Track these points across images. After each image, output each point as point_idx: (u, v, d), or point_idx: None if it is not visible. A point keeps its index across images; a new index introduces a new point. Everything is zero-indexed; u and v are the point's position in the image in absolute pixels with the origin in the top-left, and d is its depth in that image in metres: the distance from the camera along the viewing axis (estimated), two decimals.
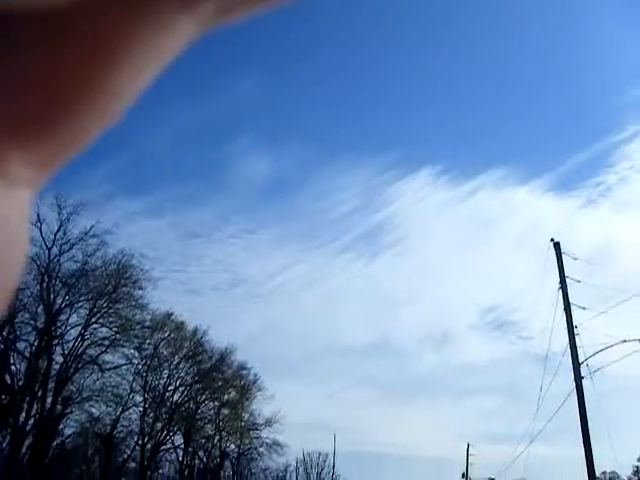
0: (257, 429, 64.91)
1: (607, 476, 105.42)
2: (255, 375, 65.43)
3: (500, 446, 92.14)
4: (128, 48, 0.47)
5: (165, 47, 0.49)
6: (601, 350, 28.87)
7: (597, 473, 28.17)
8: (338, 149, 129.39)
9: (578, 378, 28.73)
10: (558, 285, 31.07)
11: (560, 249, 31.38)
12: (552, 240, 31.77)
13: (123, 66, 0.48)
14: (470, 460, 71.77)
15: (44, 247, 45.99)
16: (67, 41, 0.46)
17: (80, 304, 47.29)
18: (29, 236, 0.51)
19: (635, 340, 28.21)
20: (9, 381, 45.02)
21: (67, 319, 46.29)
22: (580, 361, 29.17)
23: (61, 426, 48.69)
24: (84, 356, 48.08)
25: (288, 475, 68.71)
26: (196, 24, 0.48)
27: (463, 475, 72.65)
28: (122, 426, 53.26)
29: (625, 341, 28.36)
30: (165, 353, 57.63)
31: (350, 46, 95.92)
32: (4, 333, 44.70)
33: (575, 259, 31.96)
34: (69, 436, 50.29)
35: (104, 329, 49.37)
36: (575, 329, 30.06)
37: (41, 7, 0.44)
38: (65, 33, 0.46)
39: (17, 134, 0.47)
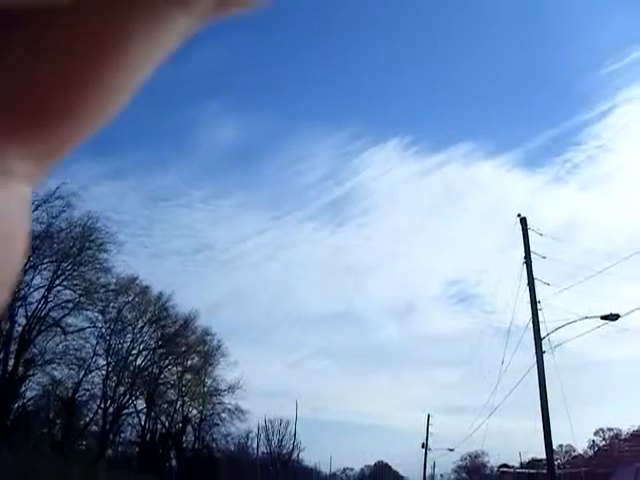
0: (220, 395, 65.09)
1: (564, 449, 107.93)
2: (219, 341, 65.60)
3: (460, 417, 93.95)
4: (127, 44, 0.48)
5: (163, 42, 0.49)
6: (563, 326, 29.30)
7: (554, 446, 28.76)
8: (306, 117, 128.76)
9: (539, 353, 29.16)
10: (523, 260, 31.40)
11: (526, 224, 31.65)
12: (519, 215, 32.04)
13: (122, 62, 0.48)
14: (430, 430, 72.89)
15: None
16: (66, 37, 0.47)
17: (44, 266, 46.81)
18: (28, 231, 0.51)
19: (597, 317, 28.65)
20: None
21: (30, 281, 45.80)
22: (542, 336, 29.59)
23: (23, 389, 48.41)
24: (47, 318, 47.72)
25: (250, 441, 69.06)
26: (193, 19, 0.48)
27: (423, 445, 73.76)
28: (84, 389, 53.12)
29: (587, 318, 28.81)
30: (129, 317, 57.43)
31: (320, 15, 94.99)
32: None
33: (541, 235, 32.30)
34: (31, 399, 49.96)
35: (68, 292, 49.08)
36: (538, 304, 30.45)
37: (40, 4, 0.44)
38: (64, 29, 0.46)
39: (16, 129, 0.48)
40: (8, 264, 0.48)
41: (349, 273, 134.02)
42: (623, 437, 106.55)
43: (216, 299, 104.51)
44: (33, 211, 46.79)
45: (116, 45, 0.47)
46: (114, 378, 54.69)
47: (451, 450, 70.50)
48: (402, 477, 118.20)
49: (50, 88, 0.47)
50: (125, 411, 56.89)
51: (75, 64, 0.47)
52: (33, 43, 0.46)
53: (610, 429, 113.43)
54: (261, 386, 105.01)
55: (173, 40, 0.50)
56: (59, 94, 0.48)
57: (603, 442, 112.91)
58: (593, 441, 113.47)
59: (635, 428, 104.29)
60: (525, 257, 31.06)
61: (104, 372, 54.16)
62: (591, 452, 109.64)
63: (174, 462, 63.99)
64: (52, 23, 0.46)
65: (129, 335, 57.48)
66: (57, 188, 46.04)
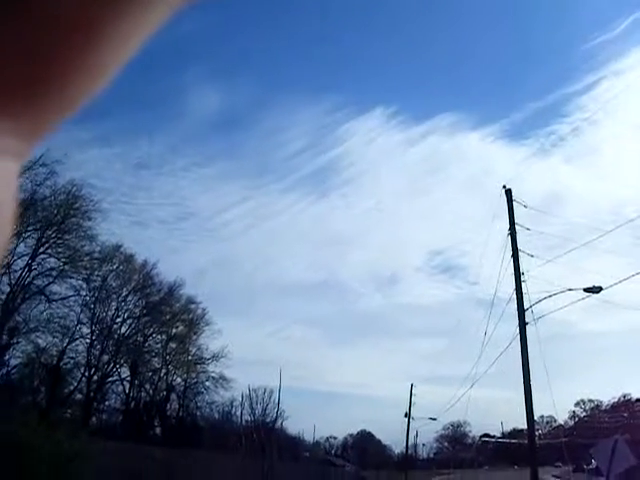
0: (204, 363, 65.21)
1: (545, 420, 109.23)
2: (203, 309, 65.63)
3: (443, 387, 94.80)
4: (112, 20, 0.47)
5: (149, 20, 0.49)
6: (546, 297, 29.44)
7: (535, 417, 29.04)
8: (289, 86, 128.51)
9: (522, 324, 29.32)
10: (507, 232, 31.46)
11: (511, 196, 31.66)
12: (504, 187, 32.02)
13: (108, 38, 0.48)
14: (413, 400, 73.39)
15: None
16: (52, 12, 0.46)
17: (28, 234, 46.50)
18: (16, 207, 0.51)
19: (580, 289, 28.81)
20: None
21: (14, 248, 45.49)
22: (525, 307, 29.74)
23: (7, 357, 48.44)
24: (31, 286, 47.55)
25: (234, 409, 69.29)
26: None
27: (405, 414, 74.32)
28: (69, 357, 53.08)
29: (570, 290, 28.95)
30: (113, 285, 57.33)
31: None
32: None
33: (526, 207, 32.33)
34: (15, 367, 49.97)
35: (52, 260, 48.86)
36: (522, 276, 30.57)
37: None
38: (50, 4, 0.46)
39: (3, 105, 0.47)
40: None
41: (332, 242, 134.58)
42: (603, 408, 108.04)
43: (199, 268, 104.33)
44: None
45: (104, 18, 0.47)
46: (98, 346, 54.71)
47: (433, 420, 71.19)
48: (385, 446, 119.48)
49: (36, 62, 0.47)
50: (109, 379, 57.02)
51: (62, 37, 0.47)
52: (17, 17, 0.46)
53: (591, 400, 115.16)
54: (245, 355, 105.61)
55: (162, 14, 0.50)
56: (45, 68, 0.47)
57: (584, 413, 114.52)
58: (574, 412, 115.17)
59: (615, 400, 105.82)
60: (510, 229, 31.11)
61: (88, 340, 54.19)
62: (572, 423, 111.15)
63: (158, 430, 64.25)
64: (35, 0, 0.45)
65: (113, 303, 57.47)
66: (41, 156, 45.63)
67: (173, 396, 65.23)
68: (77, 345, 53.70)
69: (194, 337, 65.14)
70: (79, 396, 54.46)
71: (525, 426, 30.19)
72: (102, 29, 0.47)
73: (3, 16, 0.45)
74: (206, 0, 0.46)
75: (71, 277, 50.76)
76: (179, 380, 65.31)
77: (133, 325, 59.19)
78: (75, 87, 0.49)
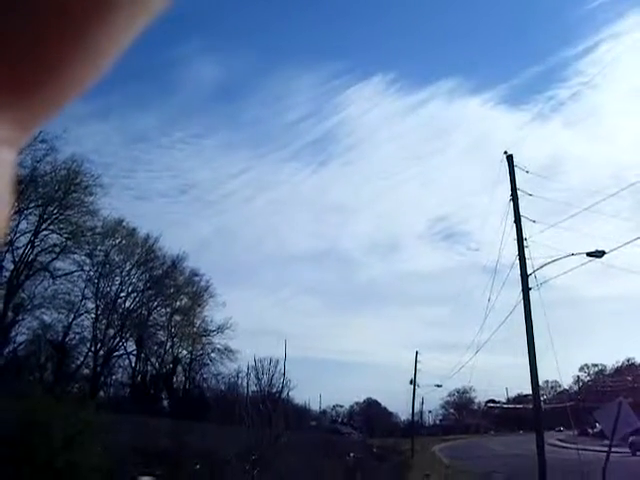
0: (209, 335, 65.54)
1: (549, 385, 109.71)
2: (207, 282, 65.78)
3: (447, 354, 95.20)
4: (111, 7, 0.47)
5: (147, 5, 0.49)
6: (549, 263, 29.38)
7: (540, 382, 29.12)
8: (288, 55, 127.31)
9: (525, 289, 29.28)
10: (509, 197, 31.33)
11: (513, 162, 31.46)
12: (505, 153, 31.81)
13: (106, 26, 0.47)
14: (418, 367, 73.64)
15: None
16: (47, 3, 0.45)
17: (29, 210, 46.52)
18: (11, 197, 0.50)
19: (582, 253, 28.75)
20: None
21: (17, 226, 45.53)
22: (528, 273, 29.73)
23: (13, 333, 48.70)
24: (35, 263, 47.74)
25: (240, 380, 69.60)
26: None
27: (411, 382, 74.64)
28: (74, 333, 53.53)
29: (573, 254, 28.88)
30: (117, 260, 57.66)
31: None
32: None
33: (527, 172, 32.18)
34: (21, 343, 50.25)
35: (55, 236, 49.11)
36: (524, 242, 30.52)
37: None
38: None
39: None
40: None
41: (333, 211, 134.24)
42: (607, 373, 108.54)
43: (201, 240, 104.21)
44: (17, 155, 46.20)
45: (102, 8, 0.47)
46: (104, 321, 55.05)
47: (439, 386, 71.35)
48: (391, 413, 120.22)
49: (33, 51, 0.47)
50: (115, 353, 57.43)
51: (59, 28, 0.46)
52: (14, 6, 0.45)
53: (595, 365, 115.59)
54: (249, 325, 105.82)
55: (158, 3, 0.49)
56: (42, 57, 0.47)
57: (588, 378, 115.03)
58: (578, 377, 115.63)
59: (619, 364, 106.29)
60: (512, 195, 30.97)
61: (93, 315, 54.59)
62: (576, 388, 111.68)
63: (165, 402, 64.68)
64: None
65: (117, 278, 57.82)
66: (40, 132, 45.46)
67: (179, 369, 65.69)
68: (82, 320, 54.20)
69: (198, 309, 65.48)
70: (86, 371, 54.85)
71: (530, 391, 30.32)
72: (100, 19, 0.47)
73: None
74: None
75: (74, 253, 51.06)
76: (185, 353, 65.81)
77: (137, 299, 59.53)
78: (71, 75, 0.49)
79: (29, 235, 46.91)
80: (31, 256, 47.11)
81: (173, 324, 63.18)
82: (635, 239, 26.71)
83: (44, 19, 0.46)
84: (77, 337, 54.01)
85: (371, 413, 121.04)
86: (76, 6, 0.46)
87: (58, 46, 0.47)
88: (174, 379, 65.36)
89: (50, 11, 0.45)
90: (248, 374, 35.17)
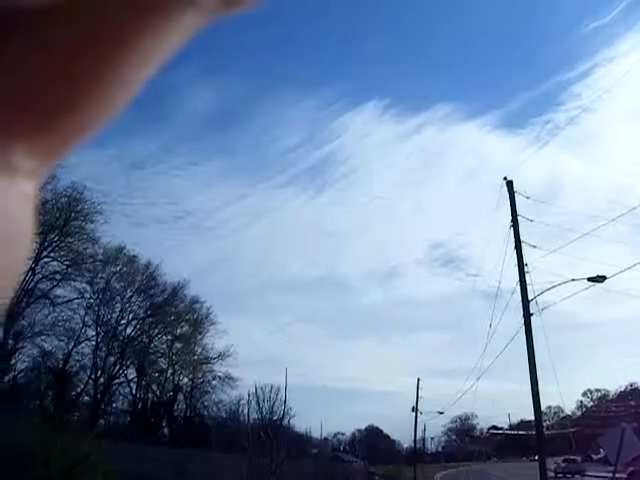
0: (210, 363, 65.19)
1: (552, 410, 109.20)
2: (208, 309, 65.56)
3: (449, 381, 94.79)
4: (135, 40, 0.47)
5: (170, 38, 0.49)
6: (550, 288, 29.38)
7: (543, 408, 29.02)
8: (282, 81, 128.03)
9: (527, 315, 29.26)
10: (509, 223, 31.37)
11: (513, 188, 31.55)
12: (505, 178, 31.89)
13: (129, 58, 0.48)
14: (420, 394, 73.37)
15: None
16: (73, 33, 0.46)
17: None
18: (32, 229, 0.50)
19: (583, 279, 28.74)
20: None
21: None
22: (529, 299, 29.68)
23: (13, 361, 48.50)
24: (35, 290, 47.67)
25: (241, 408, 69.31)
26: (201, 16, 0.48)
27: (413, 409, 74.35)
28: (75, 360, 53.23)
29: (574, 280, 28.89)
30: (117, 287, 57.39)
31: None
32: None
33: (527, 198, 32.25)
34: (21, 371, 50.08)
35: (55, 263, 49.06)
36: (525, 267, 30.51)
37: (41, 3, 0.44)
38: (71, 25, 0.46)
39: (21, 125, 0.47)
40: (11, 263, 0.48)
41: (331, 238, 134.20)
42: (610, 398, 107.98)
43: (199, 267, 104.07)
44: None
45: (125, 41, 0.47)
46: (104, 348, 54.78)
47: (441, 413, 71.26)
48: (393, 440, 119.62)
49: (53, 85, 0.47)
50: (116, 381, 57.07)
51: (82, 60, 0.47)
52: (36, 41, 0.45)
53: (598, 390, 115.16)
54: (249, 353, 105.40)
55: (181, 36, 0.49)
56: (62, 90, 0.47)
57: (591, 403, 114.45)
58: (581, 402, 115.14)
59: (622, 389, 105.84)
60: (512, 221, 31.02)
61: (94, 342, 54.28)
62: (579, 413, 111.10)
63: (166, 430, 64.31)
64: (54, 20, 0.45)
65: (118, 305, 57.53)
66: None
67: (180, 396, 65.32)
68: (83, 348, 53.87)
69: (199, 337, 65.17)
70: (86, 399, 54.56)
71: (532, 417, 30.19)
72: (124, 52, 0.47)
73: (16, 40, 0.45)
74: (221, 18, 0.48)
75: (75, 280, 50.98)
76: (186, 380, 65.41)
77: (138, 326, 59.21)
78: (91, 109, 0.49)
79: (30, 262, 46.88)
80: (32, 283, 47.07)
81: (174, 351, 62.89)
82: (636, 264, 26.75)
83: (62, 53, 0.46)
84: (77, 365, 53.80)
85: (373, 440, 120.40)
86: (100, 41, 0.46)
87: (77, 79, 0.47)
88: (175, 407, 65.00)
89: (68, 45, 0.46)
90: (249, 402, 35.10)
